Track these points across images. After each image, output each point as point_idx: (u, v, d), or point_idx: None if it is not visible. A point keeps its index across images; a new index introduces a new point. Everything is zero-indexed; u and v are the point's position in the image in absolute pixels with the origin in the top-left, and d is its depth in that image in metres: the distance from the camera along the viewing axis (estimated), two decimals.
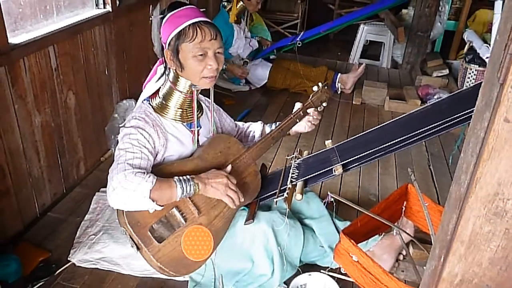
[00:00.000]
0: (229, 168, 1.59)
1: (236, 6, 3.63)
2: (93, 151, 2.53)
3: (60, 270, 1.79)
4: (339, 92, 3.88)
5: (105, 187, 1.40)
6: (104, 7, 2.48)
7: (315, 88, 1.80)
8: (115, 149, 1.52)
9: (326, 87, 1.82)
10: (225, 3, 3.69)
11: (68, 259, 1.84)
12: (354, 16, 4.04)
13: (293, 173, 1.68)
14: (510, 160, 0.61)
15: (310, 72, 3.87)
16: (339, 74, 3.89)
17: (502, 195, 0.63)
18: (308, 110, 1.78)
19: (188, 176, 1.44)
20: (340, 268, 1.70)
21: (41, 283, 1.73)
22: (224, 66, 3.60)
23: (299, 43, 3.78)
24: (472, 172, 0.65)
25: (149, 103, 1.58)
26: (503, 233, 0.65)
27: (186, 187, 1.41)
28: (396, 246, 1.78)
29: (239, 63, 3.75)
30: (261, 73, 3.87)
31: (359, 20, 4.30)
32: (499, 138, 0.60)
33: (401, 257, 1.82)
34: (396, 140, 1.48)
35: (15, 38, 1.87)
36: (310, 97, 1.79)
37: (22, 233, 2.00)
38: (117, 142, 1.50)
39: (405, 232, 1.75)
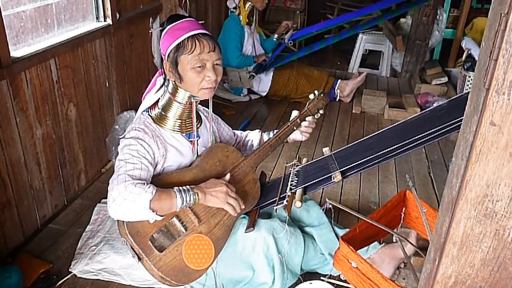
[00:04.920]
0: (227, 176, 1.60)
1: (245, 7, 3.68)
2: (94, 163, 2.55)
3: (61, 281, 1.80)
4: (337, 99, 3.91)
5: (106, 198, 1.41)
6: (105, 20, 2.51)
7: (311, 96, 1.82)
8: (115, 160, 1.54)
9: (322, 95, 1.84)
10: (234, 10, 3.73)
11: (69, 270, 1.85)
12: (349, 17, 4.10)
13: (292, 181, 1.69)
14: (497, 162, 0.62)
15: (313, 73, 3.90)
16: (339, 80, 3.92)
17: (491, 197, 0.64)
18: (306, 118, 1.79)
19: (188, 186, 1.45)
20: (340, 275, 1.70)
21: None
22: (253, 57, 3.67)
23: (290, 43, 3.87)
24: (462, 175, 0.67)
25: (149, 114, 1.60)
26: (494, 234, 0.66)
27: (186, 197, 1.42)
28: (396, 255, 1.77)
29: (246, 75, 3.76)
30: (264, 81, 3.88)
31: (355, 29, 4.33)
32: (486, 141, 0.61)
33: (402, 265, 1.82)
34: (394, 147, 1.49)
35: (17, 51, 1.90)
36: (307, 104, 1.81)
37: (23, 245, 2.01)
38: (118, 153, 1.52)
39: (406, 239, 1.75)
